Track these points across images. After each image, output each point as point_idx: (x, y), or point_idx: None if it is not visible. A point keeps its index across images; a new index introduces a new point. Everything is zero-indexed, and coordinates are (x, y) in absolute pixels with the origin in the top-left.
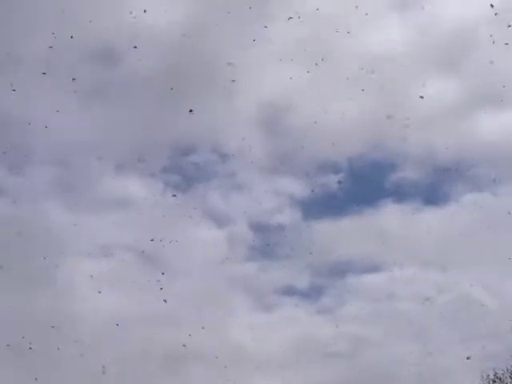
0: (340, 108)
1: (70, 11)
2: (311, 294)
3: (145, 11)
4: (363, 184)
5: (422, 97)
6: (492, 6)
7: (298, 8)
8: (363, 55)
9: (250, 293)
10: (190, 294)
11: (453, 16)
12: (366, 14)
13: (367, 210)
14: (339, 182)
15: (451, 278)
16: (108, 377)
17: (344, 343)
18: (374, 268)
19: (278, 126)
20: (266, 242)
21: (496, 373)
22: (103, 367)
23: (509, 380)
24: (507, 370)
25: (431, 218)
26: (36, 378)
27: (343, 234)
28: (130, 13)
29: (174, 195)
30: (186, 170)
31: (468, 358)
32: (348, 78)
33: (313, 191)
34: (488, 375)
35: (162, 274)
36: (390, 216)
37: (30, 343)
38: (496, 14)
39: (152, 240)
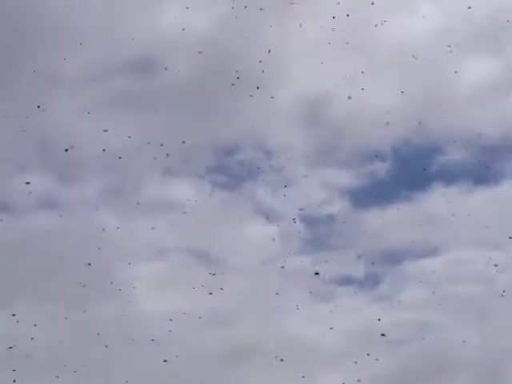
0: (380, 95)
1: (106, 24)
2: (368, 282)
3: (175, 18)
4: (410, 170)
5: (460, 75)
6: None
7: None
8: (402, 40)
9: (305, 285)
10: (245, 291)
11: None
12: None
13: (416, 195)
14: (386, 169)
15: (510, 257)
16: (169, 374)
17: (404, 330)
18: (429, 252)
19: (319, 118)
20: (318, 234)
21: None
22: (165, 361)
23: None
24: None
25: (483, 199)
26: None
27: (394, 221)
28: (165, 20)
29: (222, 195)
30: (232, 169)
31: None
32: (387, 64)
33: (360, 180)
34: None
35: (213, 274)
36: (441, 199)
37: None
38: None
39: (204, 240)
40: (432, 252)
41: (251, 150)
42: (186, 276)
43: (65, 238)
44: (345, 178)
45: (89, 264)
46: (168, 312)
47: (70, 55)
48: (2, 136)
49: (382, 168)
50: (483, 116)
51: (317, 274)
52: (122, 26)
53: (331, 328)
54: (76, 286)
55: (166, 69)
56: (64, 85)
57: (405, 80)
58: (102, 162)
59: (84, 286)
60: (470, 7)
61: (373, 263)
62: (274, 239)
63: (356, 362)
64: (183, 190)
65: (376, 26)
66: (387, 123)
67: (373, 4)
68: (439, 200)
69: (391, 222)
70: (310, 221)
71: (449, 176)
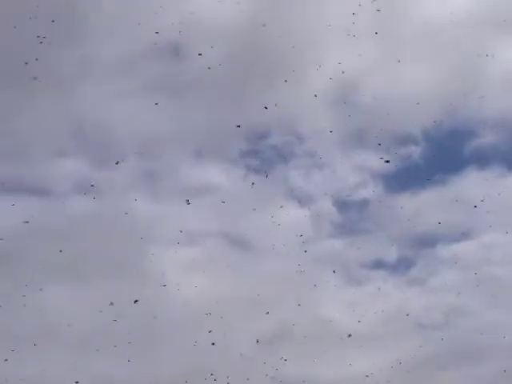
0: (413, 78)
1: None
2: (400, 266)
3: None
4: (442, 153)
5: (493, 58)
6: None
7: None
8: (434, 23)
9: (338, 269)
10: (278, 275)
11: None
12: None
13: (450, 179)
14: (418, 153)
15: None
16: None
17: (437, 314)
18: (463, 236)
19: (350, 102)
20: (351, 217)
21: None
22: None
23: None
24: None
25: None
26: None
27: (428, 205)
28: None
29: (255, 180)
30: (265, 153)
31: None
32: (419, 47)
33: (393, 164)
34: None
35: (245, 258)
36: (474, 183)
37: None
38: None
39: (236, 223)
40: (465, 236)
41: (283, 134)
42: (219, 261)
43: (100, 221)
44: (377, 162)
45: (123, 248)
46: (201, 296)
47: (104, 42)
48: (40, 122)
49: (414, 151)
50: None
51: None
52: (153, 13)
53: (363, 312)
54: (112, 267)
55: (199, 54)
56: (99, 71)
57: (437, 63)
58: (137, 147)
59: (120, 268)
60: None
61: (405, 247)
62: (306, 223)
63: (389, 346)
64: (216, 175)
65: (408, 8)
66: (418, 105)
67: None
68: (472, 184)
69: (424, 206)
70: (342, 205)
71: (482, 160)
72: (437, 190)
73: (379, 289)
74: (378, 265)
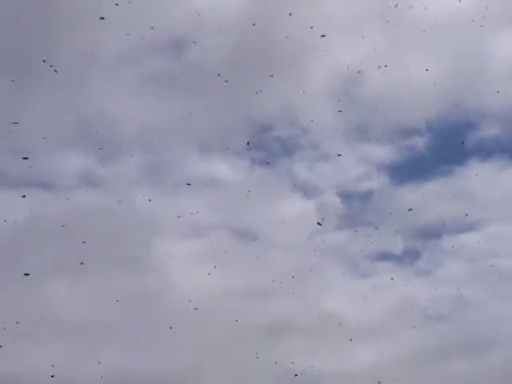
0: (416, 70)
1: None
2: (406, 258)
3: None
4: (446, 145)
5: (495, 51)
6: None
7: None
8: (437, 16)
9: (343, 261)
10: (284, 267)
11: None
12: None
13: (453, 171)
14: (423, 145)
15: None
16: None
17: (444, 306)
18: (469, 228)
19: (354, 94)
20: (356, 209)
21: None
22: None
23: None
24: None
25: None
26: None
27: (433, 196)
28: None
29: (260, 172)
30: (270, 146)
31: None
32: (422, 40)
33: (398, 156)
34: None
35: (251, 249)
36: (478, 175)
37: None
38: None
39: (242, 215)
40: (471, 227)
41: (287, 126)
42: (224, 253)
43: (105, 214)
44: (382, 154)
45: (128, 240)
46: (207, 288)
47: (106, 37)
48: (43, 116)
49: (419, 143)
50: None
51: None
52: (157, 6)
53: (368, 304)
54: (117, 259)
55: (202, 48)
56: (102, 65)
57: (439, 56)
58: (142, 140)
59: (124, 260)
60: None
61: (411, 239)
62: (311, 215)
63: (394, 337)
64: (222, 167)
65: (411, 1)
66: (422, 98)
67: None
68: (476, 175)
69: (429, 198)
70: (347, 196)
71: (485, 151)
72: (441, 182)
73: (385, 281)
74: (384, 257)
